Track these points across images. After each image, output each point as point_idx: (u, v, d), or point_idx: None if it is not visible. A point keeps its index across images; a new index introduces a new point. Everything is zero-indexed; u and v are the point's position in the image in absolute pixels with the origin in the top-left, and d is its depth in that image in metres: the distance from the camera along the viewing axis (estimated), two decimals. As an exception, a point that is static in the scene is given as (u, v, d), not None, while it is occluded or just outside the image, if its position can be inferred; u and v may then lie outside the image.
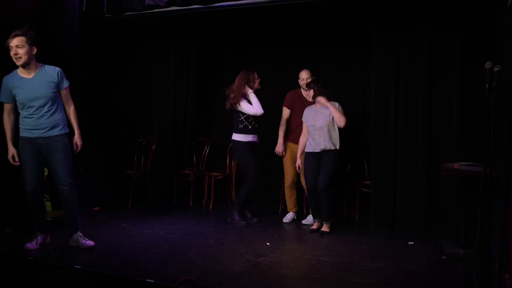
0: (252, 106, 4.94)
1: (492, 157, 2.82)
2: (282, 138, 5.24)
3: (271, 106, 5.36)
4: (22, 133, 3.99)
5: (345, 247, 4.29)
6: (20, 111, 3.98)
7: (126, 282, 3.41)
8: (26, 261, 3.82)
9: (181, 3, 4.92)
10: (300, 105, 5.15)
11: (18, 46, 3.82)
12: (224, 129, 6.53)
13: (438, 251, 4.09)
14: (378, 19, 4.91)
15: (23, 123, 3.97)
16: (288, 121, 5.25)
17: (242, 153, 5.05)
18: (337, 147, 4.68)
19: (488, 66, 2.83)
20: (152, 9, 5.09)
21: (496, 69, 2.79)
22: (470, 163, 4.01)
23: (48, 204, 5.94)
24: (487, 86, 2.80)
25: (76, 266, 3.58)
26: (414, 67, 4.76)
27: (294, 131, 5.18)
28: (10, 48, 3.84)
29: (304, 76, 5.11)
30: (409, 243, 4.41)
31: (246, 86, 5.01)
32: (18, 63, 3.88)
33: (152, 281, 3.32)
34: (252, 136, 5.06)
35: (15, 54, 3.83)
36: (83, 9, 5.22)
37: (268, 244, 4.34)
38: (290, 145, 5.21)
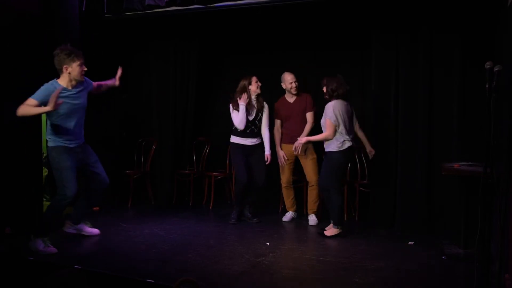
0: (236, 116, 5.05)
1: (492, 157, 2.82)
2: (278, 145, 5.30)
3: (271, 107, 5.36)
4: (59, 143, 4.04)
5: (345, 247, 4.29)
6: (56, 122, 4.01)
7: (126, 282, 3.41)
8: (26, 261, 3.82)
9: (181, 3, 4.93)
10: (284, 110, 5.23)
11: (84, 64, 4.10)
12: (224, 129, 6.54)
13: (438, 251, 4.09)
14: (378, 19, 4.92)
15: (63, 134, 4.04)
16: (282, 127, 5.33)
17: (231, 154, 5.22)
18: (327, 150, 4.63)
19: (488, 66, 2.83)
20: (152, 9, 5.09)
21: (496, 69, 2.79)
22: (470, 163, 4.02)
23: (47, 204, 5.95)
24: (487, 86, 2.80)
25: (76, 266, 3.58)
26: (414, 67, 4.76)
27: (284, 134, 5.27)
28: (80, 64, 4.04)
29: (290, 79, 5.12)
30: (409, 243, 4.41)
31: (242, 94, 5.07)
32: (81, 79, 4.10)
33: (152, 281, 3.32)
34: (241, 139, 5.11)
35: (85, 71, 4.09)
36: (83, 9, 5.23)
37: (268, 244, 4.34)
38: (284, 146, 5.26)
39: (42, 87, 3.98)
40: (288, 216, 5.29)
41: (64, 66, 3.97)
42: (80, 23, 5.31)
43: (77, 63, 4.00)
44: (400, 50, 4.82)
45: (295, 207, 5.36)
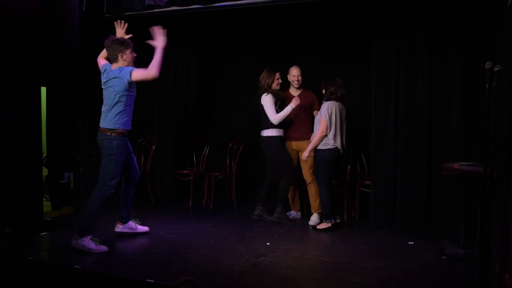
0: (274, 112, 5.03)
1: (492, 157, 2.82)
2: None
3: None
4: (124, 127, 4.10)
5: (345, 247, 4.29)
6: (128, 107, 4.11)
7: (126, 282, 3.41)
8: (26, 261, 3.82)
9: (181, 3, 4.92)
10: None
11: None
12: (224, 129, 6.56)
13: (438, 251, 4.09)
14: (378, 19, 4.91)
15: (127, 120, 4.12)
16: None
17: (279, 147, 5.09)
18: (319, 148, 4.84)
19: (488, 66, 2.83)
20: (152, 9, 5.09)
21: (496, 69, 2.79)
22: (470, 163, 4.02)
23: (47, 204, 5.95)
24: (487, 86, 2.80)
25: (76, 266, 3.58)
26: (414, 67, 4.76)
27: (289, 130, 5.26)
28: (131, 50, 4.18)
29: (295, 73, 5.19)
30: (409, 243, 4.41)
31: (268, 83, 5.11)
32: (133, 65, 4.18)
33: (152, 281, 3.32)
34: (282, 131, 5.15)
35: (135, 57, 4.22)
36: (83, 9, 5.22)
37: (268, 244, 4.34)
38: (289, 143, 5.27)
39: (126, 67, 4.07)
40: (291, 215, 5.30)
41: (120, 54, 4.09)
42: (80, 23, 5.31)
43: (129, 50, 4.14)
44: (400, 50, 4.82)
45: (298, 206, 5.36)
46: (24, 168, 5.16)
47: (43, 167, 6.28)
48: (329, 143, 4.78)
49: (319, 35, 5.88)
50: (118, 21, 4.42)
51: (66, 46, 5.29)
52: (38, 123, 5.57)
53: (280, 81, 5.15)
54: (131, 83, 4.03)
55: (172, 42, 6.21)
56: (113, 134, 4.03)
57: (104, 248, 4.00)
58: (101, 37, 5.83)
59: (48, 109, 6.16)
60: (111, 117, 4.04)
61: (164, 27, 5.99)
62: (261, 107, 5.12)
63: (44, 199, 5.96)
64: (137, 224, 4.59)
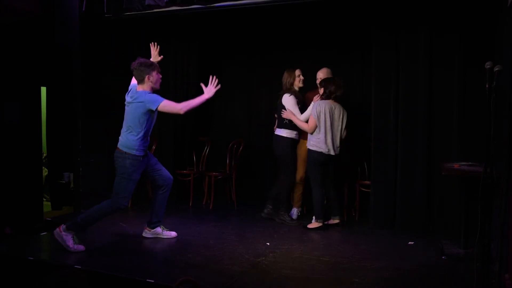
0: (293, 110, 5.01)
1: (492, 157, 2.82)
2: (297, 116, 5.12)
3: (271, 106, 5.36)
4: (139, 153, 4.08)
5: (345, 247, 4.29)
6: (148, 128, 4.09)
7: (126, 282, 3.42)
8: (26, 261, 3.82)
9: (181, 3, 4.93)
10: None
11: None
12: (224, 129, 6.56)
13: (438, 251, 4.09)
14: (378, 19, 4.91)
15: (142, 143, 4.09)
16: None
17: (285, 148, 5.09)
18: (307, 144, 4.92)
19: (488, 66, 2.83)
20: (152, 9, 5.09)
21: (496, 69, 2.79)
22: (470, 163, 4.02)
23: (47, 204, 5.95)
24: (487, 86, 2.80)
25: (76, 266, 3.58)
26: (414, 67, 4.76)
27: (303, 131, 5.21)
28: (158, 72, 4.15)
29: (318, 76, 5.16)
30: (409, 243, 4.41)
31: (290, 84, 5.08)
32: (159, 87, 4.20)
33: (152, 281, 3.32)
34: (295, 133, 5.11)
35: (161, 78, 4.21)
36: (83, 9, 5.22)
37: (268, 244, 4.34)
38: (304, 142, 5.22)
39: (154, 95, 4.07)
40: (294, 212, 5.30)
41: (147, 76, 4.08)
42: (80, 23, 5.32)
43: (156, 71, 4.12)
44: (400, 50, 4.82)
45: (300, 203, 5.37)
46: (24, 168, 5.16)
47: (43, 167, 6.28)
48: (319, 145, 4.77)
49: (319, 35, 5.88)
50: (153, 43, 4.48)
51: (66, 46, 5.30)
52: (38, 123, 5.57)
53: (302, 77, 5.12)
54: (153, 112, 4.04)
55: (172, 42, 6.24)
56: (126, 154, 4.04)
57: (81, 247, 3.99)
58: (101, 37, 5.88)
59: (48, 109, 6.16)
60: (128, 140, 4.06)
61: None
62: (279, 106, 5.10)
63: (44, 199, 5.96)
64: (164, 230, 4.53)
